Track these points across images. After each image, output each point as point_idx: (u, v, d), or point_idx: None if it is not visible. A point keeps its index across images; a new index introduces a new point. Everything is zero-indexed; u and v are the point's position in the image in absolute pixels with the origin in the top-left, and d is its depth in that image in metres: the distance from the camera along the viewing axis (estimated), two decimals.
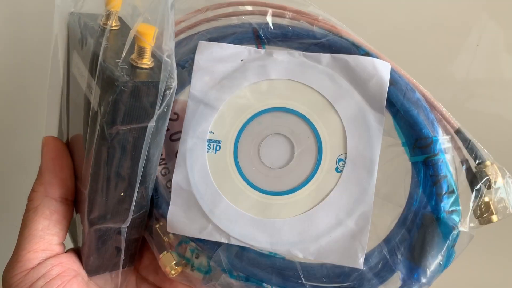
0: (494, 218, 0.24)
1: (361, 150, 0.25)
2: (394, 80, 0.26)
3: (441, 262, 0.23)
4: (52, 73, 0.30)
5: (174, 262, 0.28)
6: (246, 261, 0.26)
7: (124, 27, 0.27)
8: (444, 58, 0.41)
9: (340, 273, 0.24)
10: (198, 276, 0.28)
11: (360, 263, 0.24)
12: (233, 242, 0.26)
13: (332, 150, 0.26)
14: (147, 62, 0.23)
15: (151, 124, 0.23)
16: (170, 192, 0.28)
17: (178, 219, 0.27)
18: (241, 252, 0.27)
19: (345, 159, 0.25)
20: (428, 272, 0.23)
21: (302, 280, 0.25)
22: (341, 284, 0.24)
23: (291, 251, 0.25)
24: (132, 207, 0.27)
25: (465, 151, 0.25)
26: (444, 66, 0.42)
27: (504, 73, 0.42)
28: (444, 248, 0.23)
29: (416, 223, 0.24)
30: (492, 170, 0.24)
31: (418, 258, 0.24)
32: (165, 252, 0.29)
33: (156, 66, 0.23)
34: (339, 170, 0.25)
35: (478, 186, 0.24)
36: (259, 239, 0.26)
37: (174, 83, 0.23)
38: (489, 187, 0.24)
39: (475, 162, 0.25)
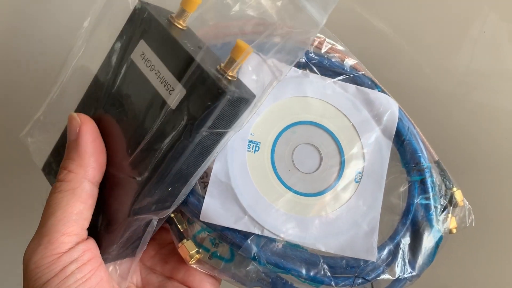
0: (454, 230, 0.32)
1: (375, 167, 0.31)
2: (400, 116, 0.33)
3: (429, 258, 0.30)
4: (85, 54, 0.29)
5: (195, 250, 0.30)
6: (272, 251, 0.29)
7: (188, 29, 0.28)
8: (446, 50, 0.41)
9: (356, 264, 0.30)
10: (216, 264, 0.30)
11: (373, 256, 0.29)
12: (266, 233, 0.29)
13: (353, 165, 0.31)
14: (234, 75, 0.25)
15: (230, 131, 0.26)
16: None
17: (214, 209, 0.29)
18: (268, 244, 0.30)
19: (362, 172, 0.31)
20: (419, 265, 0.30)
21: (324, 270, 0.29)
22: (357, 273, 0.29)
23: (316, 245, 0.29)
24: (177, 201, 0.28)
25: (439, 178, 0.33)
26: (446, 58, 0.41)
27: (507, 64, 0.41)
28: (432, 247, 0.31)
29: (412, 227, 0.31)
30: (458, 194, 0.33)
31: (413, 254, 0.30)
32: (185, 240, 0.30)
33: (238, 79, 0.26)
34: (357, 180, 0.31)
35: (449, 205, 0.32)
36: (289, 232, 0.29)
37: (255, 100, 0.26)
38: (455, 206, 0.32)
39: (446, 186, 0.33)
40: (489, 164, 0.42)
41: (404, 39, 0.41)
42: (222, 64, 0.25)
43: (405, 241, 0.31)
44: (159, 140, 0.26)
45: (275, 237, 0.29)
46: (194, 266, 0.30)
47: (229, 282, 0.31)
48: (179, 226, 0.31)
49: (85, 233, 0.27)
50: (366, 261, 0.30)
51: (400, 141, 0.32)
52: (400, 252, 0.30)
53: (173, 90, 0.25)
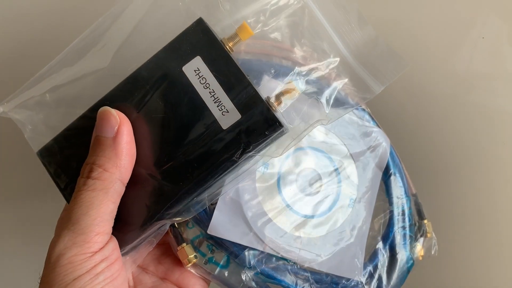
0: (420, 258, 0.37)
1: (366, 195, 0.35)
2: (391, 151, 0.36)
3: (401, 281, 0.35)
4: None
5: (193, 255, 0.31)
6: (266, 263, 0.32)
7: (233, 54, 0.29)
8: (445, 52, 0.42)
9: (339, 281, 0.33)
10: (211, 269, 0.32)
11: (360, 277, 0.33)
12: (267, 250, 0.31)
13: (347, 191, 0.34)
14: (277, 109, 0.28)
15: (263, 155, 0.28)
16: None
17: (222, 224, 0.31)
18: (264, 256, 0.32)
19: (355, 199, 0.34)
20: (392, 286, 0.34)
21: (311, 284, 0.32)
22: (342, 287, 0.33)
23: (310, 263, 0.32)
24: (196, 211, 0.29)
25: (414, 209, 0.38)
26: (446, 60, 0.42)
27: (507, 66, 0.41)
28: (404, 271, 0.35)
29: (390, 252, 0.35)
30: (428, 226, 0.37)
31: (388, 276, 0.34)
32: (184, 244, 0.31)
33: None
34: (350, 206, 0.34)
35: (419, 235, 0.37)
36: (288, 249, 0.32)
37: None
38: (425, 236, 0.37)
39: (420, 217, 0.37)
40: (489, 167, 0.44)
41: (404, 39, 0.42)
42: (271, 98, 0.28)
43: (383, 264, 0.35)
44: (204, 154, 0.27)
45: (274, 253, 0.32)
46: (190, 270, 0.32)
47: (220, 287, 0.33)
48: (180, 230, 0.32)
49: (111, 230, 0.27)
50: (348, 279, 0.33)
51: (388, 173, 0.36)
52: (378, 273, 0.34)
53: (227, 112, 0.27)
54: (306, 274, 0.32)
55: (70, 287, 0.24)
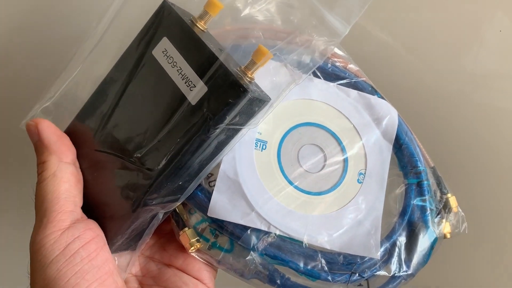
0: (448, 235, 0.34)
1: (376, 168, 0.33)
2: (399, 121, 0.34)
3: (424, 259, 0.32)
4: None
5: (195, 239, 0.30)
6: (271, 244, 0.30)
7: (207, 32, 0.29)
8: (454, 51, 0.41)
9: (353, 261, 0.31)
10: (215, 255, 0.31)
11: (376, 254, 0.31)
12: (272, 230, 0.30)
13: (355, 165, 0.32)
14: (253, 77, 0.26)
15: (245, 128, 0.27)
16: None
17: (221, 204, 0.30)
18: (268, 236, 0.30)
19: (365, 173, 0.32)
20: (414, 264, 0.31)
21: (322, 264, 0.30)
22: (353, 270, 0.30)
23: (320, 242, 0.30)
24: (184, 195, 0.29)
25: (434, 183, 0.35)
26: (455, 59, 0.41)
27: None
28: (427, 248, 0.32)
29: (408, 227, 0.32)
30: (452, 201, 0.34)
31: (408, 253, 0.32)
32: (186, 229, 0.31)
33: (255, 81, 0.27)
34: (360, 181, 0.32)
35: (443, 210, 0.34)
36: (295, 229, 0.30)
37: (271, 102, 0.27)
38: (449, 211, 0.34)
39: (441, 192, 0.35)
40: (495, 166, 0.43)
41: (404, 45, 0.42)
42: (242, 66, 0.26)
43: (401, 241, 0.32)
44: (176, 133, 0.26)
45: (281, 233, 0.30)
46: (194, 255, 0.31)
47: (227, 273, 0.31)
48: (181, 216, 0.31)
49: (80, 211, 0.28)
50: (363, 258, 0.31)
51: (398, 145, 0.34)
52: (396, 250, 0.32)
53: (194, 87, 0.26)
54: (316, 254, 0.30)
55: (49, 271, 0.25)
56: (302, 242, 0.30)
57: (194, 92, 0.26)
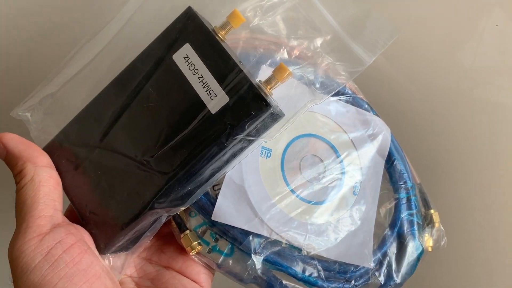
0: (430, 249, 0.36)
1: (370, 182, 0.34)
2: (392, 139, 0.36)
3: (412, 269, 0.34)
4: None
5: (197, 242, 0.30)
6: (271, 250, 0.31)
7: (226, 42, 0.29)
8: (451, 46, 0.41)
9: (347, 269, 0.32)
10: (215, 258, 0.31)
11: (370, 264, 0.32)
12: (273, 236, 0.31)
13: (352, 178, 0.34)
14: (271, 92, 0.27)
15: (259, 139, 0.28)
16: None
17: (226, 209, 0.30)
18: (268, 243, 0.31)
19: (360, 186, 0.34)
20: (402, 274, 0.33)
21: (319, 272, 0.31)
22: (347, 278, 0.32)
23: (317, 250, 0.31)
24: (190, 201, 0.29)
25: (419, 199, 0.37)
26: (452, 54, 0.41)
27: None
28: (414, 259, 0.34)
29: (398, 239, 0.34)
30: (435, 216, 0.37)
31: (397, 264, 0.34)
32: (187, 232, 0.31)
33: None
34: (355, 193, 0.34)
35: (426, 225, 0.36)
36: (294, 236, 0.31)
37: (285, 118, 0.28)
38: (432, 226, 0.36)
39: (425, 207, 0.37)
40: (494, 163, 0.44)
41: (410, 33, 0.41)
42: (263, 80, 0.27)
43: (392, 251, 0.34)
44: (193, 139, 0.27)
45: (280, 239, 0.31)
46: (194, 258, 0.31)
47: (225, 277, 0.32)
48: (182, 218, 0.31)
49: (61, 215, 0.27)
50: (356, 267, 0.32)
51: (390, 161, 0.36)
52: (387, 261, 0.33)
53: (215, 96, 0.27)
54: (313, 261, 0.31)
55: (32, 277, 0.24)
56: (301, 250, 0.31)
57: (215, 101, 0.27)
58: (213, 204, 0.30)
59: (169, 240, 0.33)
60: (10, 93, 0.42)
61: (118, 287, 0.28)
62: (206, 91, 0.27)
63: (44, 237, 0.25)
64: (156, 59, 0.28)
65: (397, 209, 0.35)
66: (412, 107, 0.37)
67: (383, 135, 0.36)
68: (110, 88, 0.30)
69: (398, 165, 0.36)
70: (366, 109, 0.36)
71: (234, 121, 0.26)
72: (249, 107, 0.26)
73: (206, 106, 0.27)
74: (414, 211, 0.35)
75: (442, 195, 0.38)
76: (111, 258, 0.30)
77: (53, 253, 0.25)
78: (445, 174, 0.44)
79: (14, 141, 0.28)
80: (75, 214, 0.30)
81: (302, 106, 0.28)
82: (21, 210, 0.26)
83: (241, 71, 0.26)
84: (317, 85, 0.30)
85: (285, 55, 0.30)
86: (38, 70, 0.40)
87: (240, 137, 0.26)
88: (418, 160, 0.39)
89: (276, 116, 0.27)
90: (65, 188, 0.30)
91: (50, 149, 0.30)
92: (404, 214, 0.35)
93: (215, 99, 0.27)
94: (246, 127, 0.26)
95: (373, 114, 0.37)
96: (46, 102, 0.31)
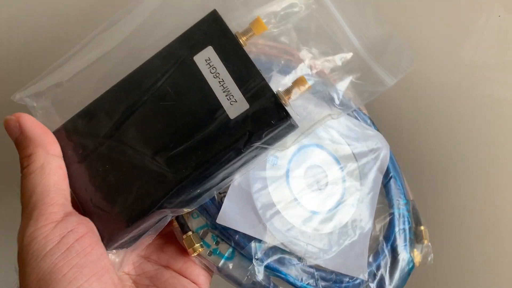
0: (417, 263, 0.38)
1: (369, 196, 0.35)
2: (390, 155, 0.37)
3: (402, 283, 0.35)
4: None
5: (199, 244, 0.30)
6: (272, 257, 0.31)
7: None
8: (452, 41, 0.41)
9: (343, 280, 0.33)
10: (215, 261, 0.31)
11: (365, 276, 0.33)
12: (275, 243, 0.31)
13: (351, 190, 0.35)
14: (289, 103, 0.28)
15: (271, 148, 0.28)
16: None
17: (231, 213, 0.30)
18: (270, 249, 0.31)
19: (359, 199, 0.35)
20: (393, 287, 0.34)
21: (317, 281, 0.32)
22: (346, 285, 0.33)
23: (316, 260, 0.32)
24: (198, 203, 0.29)
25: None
26: (452, 49, 0.41)
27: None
28: (405, 273, 0.35)
29: (391, 253, 0.35)
30: (425, 233, 0.38)
31: (390, 277, 0.35)
32: (190, 233, 0.31)
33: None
34: (354, 206, 0.35)
35: (416, 241, 0.37)
36: (296, 244, 0.31)
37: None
38: (422, 242, 0.38)
39: (416, 224, 0.38)
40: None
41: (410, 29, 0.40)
42: (282, 90, 0.28)
43: (385, 264, 0.35)
44: (209, 142, 0.27)
45: (281, 246, 0.31)
46: (194, 259, 0.31)
47: (224, 280, 0.32)
48: (185, 219, 0.31)
49: (70, 205, 0.27)
50: (352, 278, 0.33)
51: (388, 177, 0.37)
52: (380, 273, 0.34)
53: (235, 101, 0.27)
54: (311, 270, 0.32)
55: (43, 264, 0.24)
56: (301, 258, 0.32)
57: (235, 106, 0.27)
58: (217, 207, 0.30)
59: (170, 239, 0.32)
60: (8, 78, 0.41)
61: (122, 284, 0.28)
62: (226, 96, 0.27)
63: (57, 225, 0.25)
64: (176, 58, 0.28)
65: (391, 223, 0.36)
66: (409, 107, 0.38)
67: (383, 151, 0.37)
68: (124, 83, 0.30)
69: (395, 182, 0.37)
70: (367, 124, 0.37)
71: (253, 128, 0.26)
72: (269, 116, 0.26)
73: (225, 111, 0.27)
74: (407, 227, 0.36)
75: (434, 210, 0.39)
76: (110, 254, 0.30)
77: (65, 241, 0.25)
78: (441, 180, 0.44)
79: (31, 123, 0.28)
80: (76, 207, 0.29)
81: (320, 120, 0.29)
82: (30, 197, 0.26)
83: (263, 79, 0.27)
84: (336, 101, 0.31)
85: (305, 69, 0.31)
86: (38, 56, 0.39)
87: (257, 144, 0.27)
88: (414, 168, 0.39)
89: (292, 127, 0.28)
90: (69, 179, 0.29)
91: (56, 137, 0.30)
92: (398, 229, 0.36)
93: (235, 104, 0.27)
94: (264, 135, 0.27)
95: (375, 129, 0.38)
96: (54, 90, 0.31)
